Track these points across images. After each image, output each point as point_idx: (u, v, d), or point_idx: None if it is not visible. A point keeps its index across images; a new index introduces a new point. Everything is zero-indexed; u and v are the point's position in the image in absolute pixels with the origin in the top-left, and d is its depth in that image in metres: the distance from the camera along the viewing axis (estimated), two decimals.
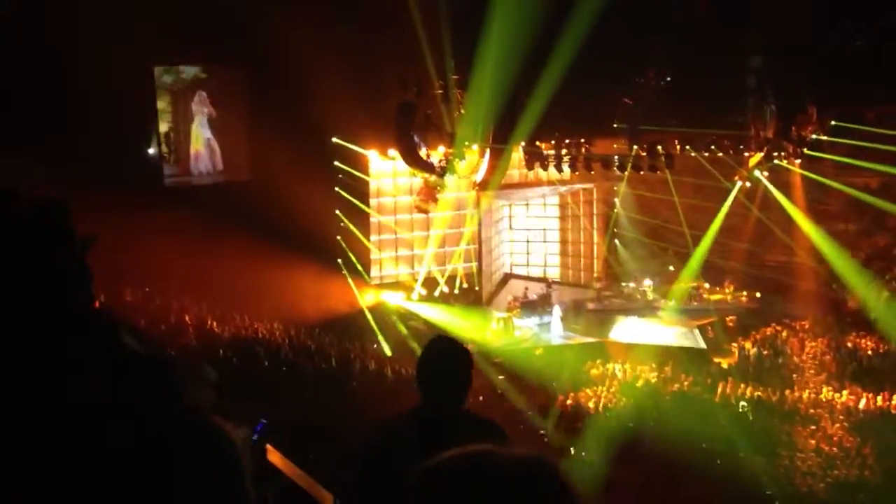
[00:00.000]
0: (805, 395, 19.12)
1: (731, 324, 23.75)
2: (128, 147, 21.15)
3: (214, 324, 19.10)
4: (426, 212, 23.48)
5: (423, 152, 21.79)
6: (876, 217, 24.85)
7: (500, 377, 19.96)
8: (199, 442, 1.56)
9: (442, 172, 22.08)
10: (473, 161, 22.96)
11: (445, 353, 3.61)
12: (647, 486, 15.23)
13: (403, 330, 22.21)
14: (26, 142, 16.03)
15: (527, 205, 27.68)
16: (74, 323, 2.01)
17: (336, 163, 22.95)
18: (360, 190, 23.33)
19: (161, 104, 22.40)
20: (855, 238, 25.13)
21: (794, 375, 20.40)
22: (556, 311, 23.73)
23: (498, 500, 1.22)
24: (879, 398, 18.47)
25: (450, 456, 1.30)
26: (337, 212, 23.03)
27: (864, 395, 18.68)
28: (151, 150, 22.54)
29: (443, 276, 24.32)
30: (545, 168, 23.00)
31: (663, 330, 23.54)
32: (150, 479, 1.48)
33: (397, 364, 19.13)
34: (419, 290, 23.99)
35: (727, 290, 25.20)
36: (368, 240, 23.58)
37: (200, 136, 23.10)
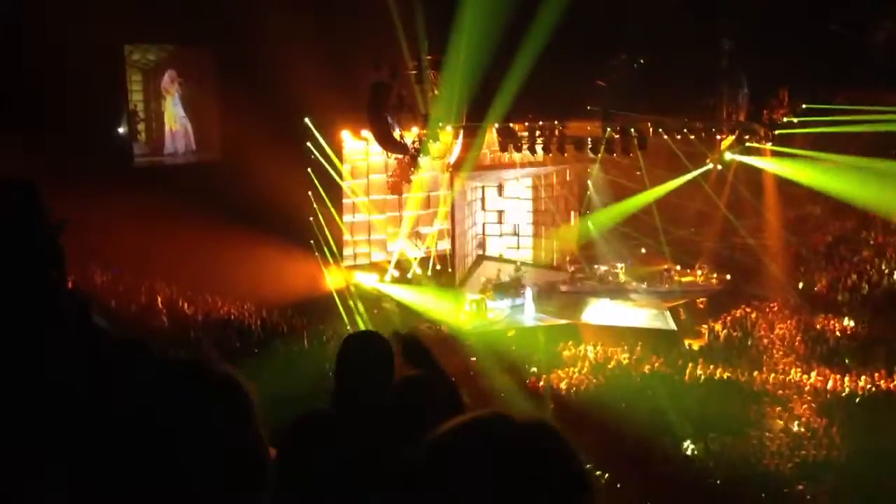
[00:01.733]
0: (773, 376, 19.34)
1: (701, 306, 23.97)
2: (97, 126, 20.86)
3: (186, 305, 18.98)
4: (399, 193, 23.42)
5: (396, 133, 21.70)
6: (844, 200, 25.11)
7: (473, 358, 20.02)
8: (202, 387, 1.53)
9: (415, 153, 22.01)
10: (447, 142, 22.91)
11: (366, 349, 3.42)
12: (614, 466, 15.34)
13: (376, 311, 22.19)
14: None
15: (500, 186, 27.67)
16: (48, 301, 1.99)
17: (308, 143, 22.79)
18: (333, 170, 23.20)
19: (132, 83, 22.12)
20: (822, 221, 25.41)
21: (763, 357, 20.62)
22: (529, 292, 23.80)
23: (506, 465, 1.21)
24: (847, 379, 18.71)
25: (452, 426, 1.29)
26: (309, 193, 22.89)
27: (832, 376, 18.92)
28: (121, 130, 22.27)
29: (416, 258, 24.29)
30: (518, 150, 22.99)
31: (635, 312, 23.69)
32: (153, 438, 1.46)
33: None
34: (392, 271, 23.95)
35: (698, 273, 25.40)
36: (341, 221, 23.48)
37: (174, 115, 22.87)
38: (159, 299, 18.61)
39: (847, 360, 19.75)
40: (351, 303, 22.40)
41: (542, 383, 18.98)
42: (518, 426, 1.28)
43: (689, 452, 16.43)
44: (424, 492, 1.24)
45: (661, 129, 22.77)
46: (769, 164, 24.15)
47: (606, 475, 14.41)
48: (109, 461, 1.43)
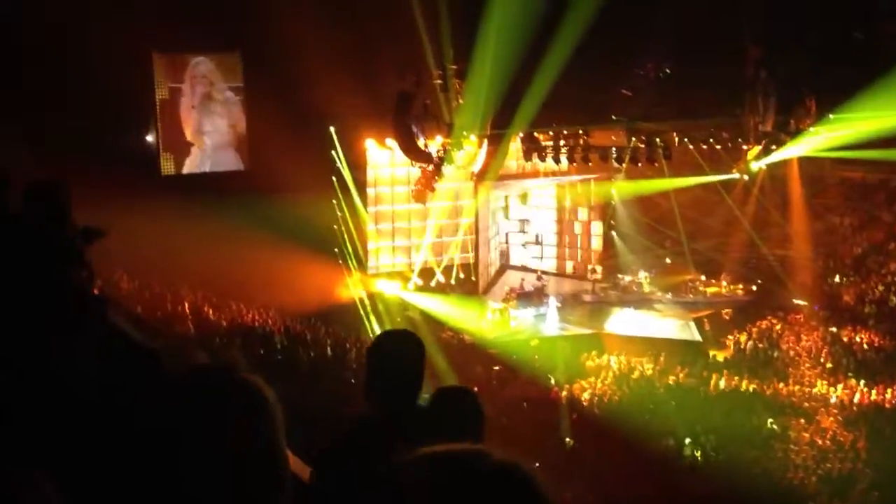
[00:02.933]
0: (799, 388, 19.16)
1: (726, 316, 23.78)
2: (126, 134, 21.11)
3: (211, 312, 19.09)
4: (424, 202, 23.45)
5: (420, 142, 21.73)
6: (871, 211, 24.89)
7: (496, 368, 20.00)
8: (228, 395, 1.56)
9: (440, 162, 22.04)
10: (471, 151, 22.93)
11: (399, 346, 3.39)
12: (640, 478, 15.27)
13: (399, 319, 22.21)
14: (22, 127, 16.00)
15: (524, 196, 27.64)
16: (75, 302, 2.02)
17: (333, 152, 22.89)
18: (358, 179, 23.29)
19: (161, 93, 22.32)
20: (851, 232, 25.17)
21: (789, 369, 20.43)
22: (553, 302, 23.74)
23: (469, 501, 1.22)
24: (874, 392, 18.50)
25: (421, 455, 1.30)
26: (334, 201, 22.98)
27: (859, 388, 18.72)
28: (149, 138, 22.48)
29: (439, 267, 24.30)
30: (543, 159, 22.96)
31: (659, 322, 23.56)
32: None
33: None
34: (416, 280, 23.98)
35: (723, 283, 25.23)
36: (365, 229, 23.55)
37: (203, 124, 23.04)
38: (185, 306, 18.74)
39: (874, 373, 19.52)
40: (374, 311, 22.44)
41: (563, 393, 18.90)
42: (488, 466, 1.28)
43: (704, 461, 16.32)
44: None
45: (686, 139, 22.66)
46: (795, 175, 24.01)
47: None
48: (129, 463, 1.46)
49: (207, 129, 23.14)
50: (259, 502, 1.53)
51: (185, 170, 22.79)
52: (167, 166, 22.51)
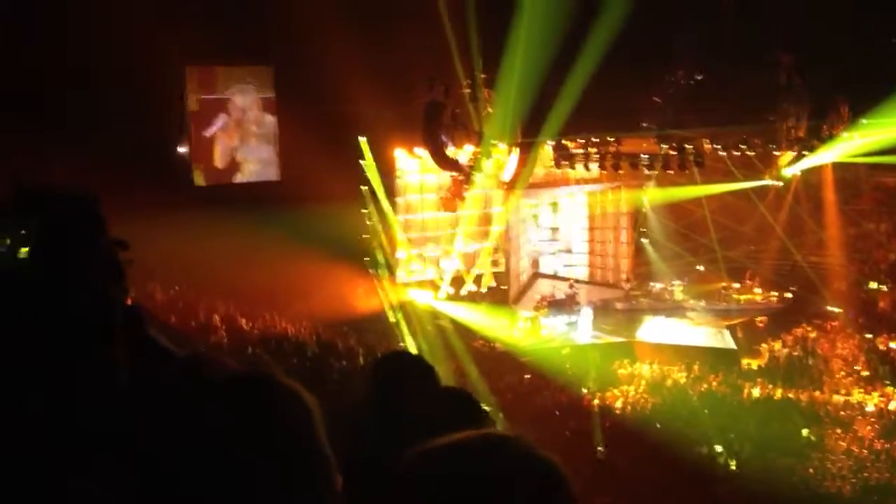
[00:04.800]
0: (835, 396, 18.95)
1: (760, 324, 23.56)
2: (159, 145, 21.34)
3: (244, 322, 19.24)
4: (454, 210, 23.48)
5: (450, 151, 21.79)
6: None
7: (527, 376, 19.96)
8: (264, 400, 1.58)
9: (469, 171, 22.08)
10: (501, 160, 22.95)
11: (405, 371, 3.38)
12: (673, 487, 15.16)
13: (430, 328, 22.24)
14: (57, 138, 16.25)
15: (555, 204, 27.59)
16: (108, 315, 2.05)
17: (363, 161, 22.99)
18: (388, 188, 23.37)
19: (193, 104, 22.54)
20: (886, 238, 24.86)
21: (825, 377, 20.21)
22: (586, 310, 23.64)
23: (490, 491, 1.23)
24: None
25: (446, 442, 1.32)
26: (364, 210, 23.08)
27: (895, 397, 18.48)
28: (182, 149, 22.72)
29: (470, 275, 24.30)
30: (573, 167, 22.93)
31: (692, 330, 23.40)
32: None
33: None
34: (446, 288, 23.99)
35: (757, 290, 25.01)
36: (396, 238, 23.62)
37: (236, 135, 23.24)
38: (217, 316, 18.89)
39: None
40: (405, 320, 22.48)
41: (595, 402, 18.83)
42: (511, 454, 1.29)
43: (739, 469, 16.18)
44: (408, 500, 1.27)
45: (717, 146, 22.52)
46: (829, 181, 23.79)
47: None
48: (175, 472, 1.48)
49: (241, 139, 23.32)
50: None
51: (218, 181, 22.99)
52: (199, 177, 22.72)
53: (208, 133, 22.89)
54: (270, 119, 23.41)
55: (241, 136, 23.32)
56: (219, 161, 23.09)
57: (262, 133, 23.54)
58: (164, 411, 1.59)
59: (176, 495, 1.47)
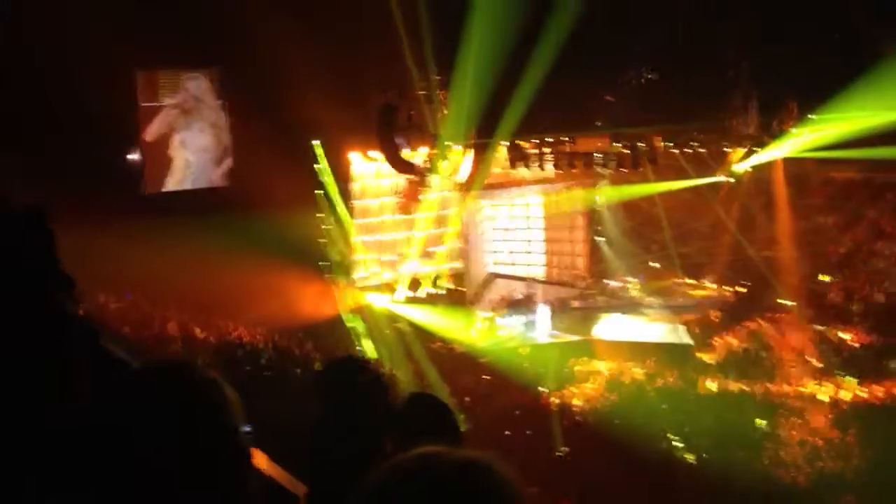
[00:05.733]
0: (789, 387, 19.23)
1: (715, 319, 23.85)
2: (108, 153, 20.98)
3: (199, 331, 19.02)
4: (410, 213, 23.45)
5: (405, 153, 21.76)
6: (856, 211, 25.03)
7: (486, 377, 19.99)
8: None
9: (425, 173, 22.06)
10: (456, 161, 22.96)
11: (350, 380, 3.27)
12: (634, 482, 15.28)
13: (388, 331, 22.18)
14: (5, 148, 15.90)
15: (510, 204, 27.68)
16: (58, 328, 2.00)
17: (317, 165, 22.86)
18: (343, 191, 23.25)
19: (142, 110, 22.22)
20: (836, 231, 25.30)
21: (778, 369, 20.50)
22: (544, 309, 23.73)
23: (441, 500, 1.22)
24: (862, 390, 18.59)
25: (399, 460, 1.32)
26: (319, 215, 22.94)
27: (847, 386, 18.80)
28: (133, 156, 22.38)
29: (427, 277, 24.28)
30: (528, 167, 23.02)
31: (648, 326, 23.61)
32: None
33: (383, 366, 19.08)
34: (404, 291, 23.94)
35: (711, 286, 25.31)
36: (352, 242, 23.51)
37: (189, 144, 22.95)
38: (172, 325, 18.65)
39: (862, 370, 19.62)
40: (362, 324, 22.39)
41: (554, 400, 18.91)
42: (456, 462, 1.29)
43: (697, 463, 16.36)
44: None
45: (670, 144, 22.77)
46: (780, 177, 24.16)
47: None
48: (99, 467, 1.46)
49: (190, 146, 23.05)
50: (228, 499, 1.53)
51: (168, 188, 22.69)
52: (150, 185, 22.41)
53: (157, 139, 22.58)
54: (221, 124, 23.17)
55: (191, 142, 23.04)
56: (169, 168, 22.79)
57: (213, 138, 23.28)
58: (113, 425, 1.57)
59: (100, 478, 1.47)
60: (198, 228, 18.37)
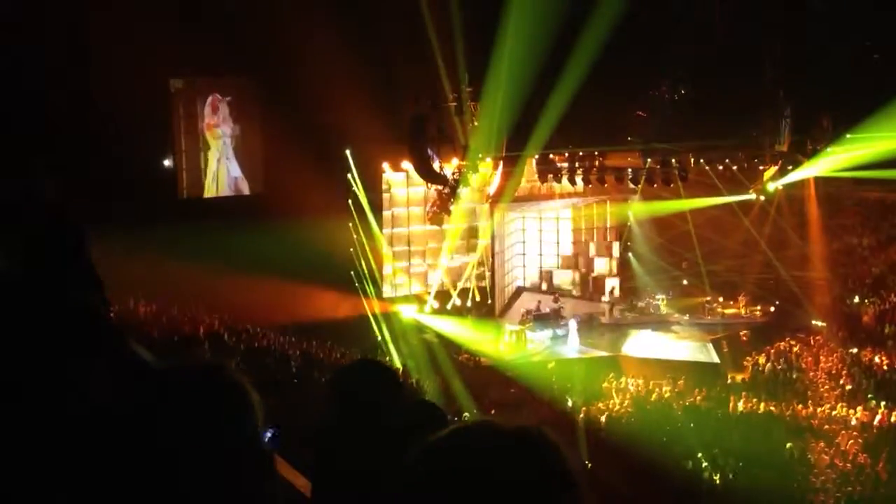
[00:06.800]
0: (819, 410, 18.98)
1: (744, 338, 23.61)
2: (143, 159, 21.25)
3: (227, 335, 19.14)
4: (439, 224, 23.49)
5: (436, 165, 21.80)
6: (889, 231, 24.73)
7: (512, 390, 19.92)
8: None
9: (455, 185, 22.08)
10: (486, 173, 22.98)
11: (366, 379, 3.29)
12: (658, 501, 15.14)
13: (416, 342, 22.18)
14: (39, 154, 16.12)
15: (540, 218, 27.64)
16: (89, 329, 2.03)
17: (349, 175, 22.98)
18: (374, 202, 23.36)
19: (178, 117, 22.49)
20: (869, 252, 25.02)
21: (809, 391, 20.25)
22: (573, 324, 23.62)
23: (492, 471, 1.25)
24: (894, 414, 18.30)
25: (447, 432, 1.33)
26: (350, 224, 23.04)
27: (879, 410, 18.52)
28: (167, 163, 22.64)
29: (455, 289, 24.29)
30: (558, 181, 22.99)
31: (677, 344, 23.43)
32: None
33: (410, 376, 19.12)
34: (432, 302, 23.96)
35: (741, 305, 25.10)
36: (381, 252, 23.58)
37: (222, 153, 23.18)
38: (201, 329, 18.79)
39: (894, 394, 19.31)
40: (390, 334, 22.43)
41: (580, 415, 18.80)
42: (504, 433, 1.30)
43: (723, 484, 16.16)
44: (414, 497, 1.27)
45: (702, 160, 22.65)
46: (813, 196, 23.98)
47: None
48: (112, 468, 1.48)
49: (225, 153, 23.28)
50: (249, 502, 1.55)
51: (203, 194, 22.93)
52: (184, 191, 22.66)
53: (192, 146, 22.83)
54: (255, 132, 23.39)
55: (226, 150, 23.27)
56: (203, 174, 23.04)
57: (247, 146, 23.51)
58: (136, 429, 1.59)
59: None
60: (229, 235, 18.54)
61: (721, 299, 25.18)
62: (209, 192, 23.09)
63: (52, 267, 2.25)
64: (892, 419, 18.20)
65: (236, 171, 23.46)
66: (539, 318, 24.17)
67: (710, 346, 23.11)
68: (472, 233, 24.68)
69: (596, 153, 22.48)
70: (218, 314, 19.74)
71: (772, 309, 24.79)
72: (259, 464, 1.58)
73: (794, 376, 21.03)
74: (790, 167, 22.34)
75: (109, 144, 18.46)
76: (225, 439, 1.53)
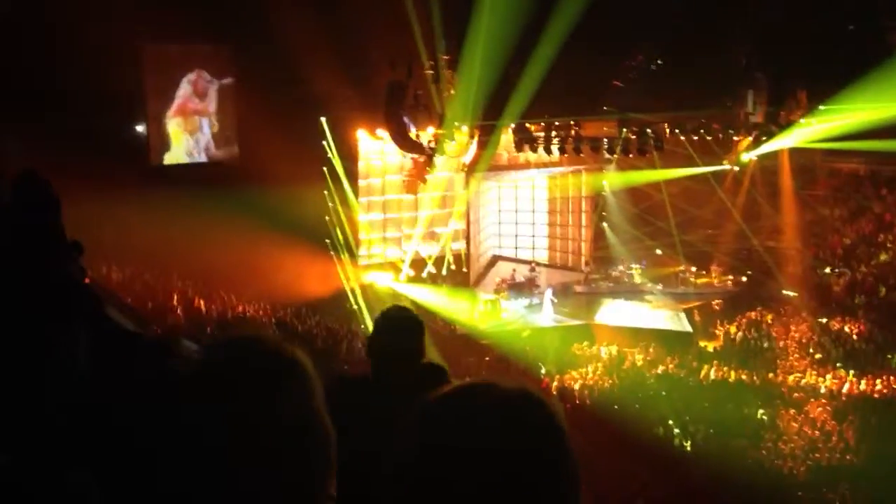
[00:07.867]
0: (790, 378, 19.24)
1: (717, 307, 23.86)
2: (115, 126, 20.98)
3: (202, 303, 19.05)
4: (415, 192, 23.43)
5: (412, 133, 21.70)
6: (861, 202, 24.99)
7: (487, 358, 20.03)
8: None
9: (431, 153, 22.01)
10: (463, 142, 22.90)
11: (398, 324, 3.67)
12: (632, 467, 15.33)
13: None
14: (9, 120, 15.89)
15: (516, 187, 27.66)
16: (62, 295, 2.01)
17: (325, 142, 22.81)
18: (349, 170, 23.21)
19: (150, 84, 22.17)
20: (841, 223, 25.27)
21: (779, 360, 20.51)
22: (549, 293, 23.75)
23: (487, 430, 1.25)
24: (862, 382, 18.60)
25: (447, 391, 1.33)
26: (325, 191, 22.91)
27: (848, 379, 18.81)
28: (139, 128, 22.37)
29: (431, 257, 24.30)
30: (534, 150, 22.97)
31: (650, 313, 23.64)
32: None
33: None
34: (407, 270, 23.96)
35: (714, 274, 25.31)
36: (357, 220, 23.49)
37: (193, 115, 22.90)
38: (175, 296, 18.68)
39: (862, 363, 19.61)
40: (365, 302, 22.42)
41: (554, 384, 18.96)
42: (502, 391, 1.31)
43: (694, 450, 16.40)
44: (415, 452, 1.28)
45: (677, 130, 22.72)
46: (786, 166, 24.15)
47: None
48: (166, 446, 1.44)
49: (198, 120, 23.01)
50: (314, 486, 1.48)
51: (175, 160, 22.69)
52: (156, 157, 22.40)
53: (165, 112, 22.55)
54: (229, 98, 23.13)
55: (199, 116, 23.01)
56: (176, 140, 22.78)
57: (221, 112, 23.25)
58: (119, 395, 1.56)
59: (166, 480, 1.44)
60: (203, 202, 18.36)
61: (694, 269, 25.38)
62: (179, 159, 22.82)
63: (27, 234, 2.23)
64: (861, 387, 18.50)
65: (209, 137, 23.20)
66: (514, 287, 24.27)
67: (683, 315, 23.34)
68: (447, 202, 24.65)
69: (572, 123, 22.47)
70: (191, 281, 19.62)
71: (744, 279, 25.02)
72: (324, 441, 1.51)
73: (765, 345, 21.31)
74: (764, 138, 22.48)
75: (80, 111, 18.19)
76: (288, 418, 1.46)
